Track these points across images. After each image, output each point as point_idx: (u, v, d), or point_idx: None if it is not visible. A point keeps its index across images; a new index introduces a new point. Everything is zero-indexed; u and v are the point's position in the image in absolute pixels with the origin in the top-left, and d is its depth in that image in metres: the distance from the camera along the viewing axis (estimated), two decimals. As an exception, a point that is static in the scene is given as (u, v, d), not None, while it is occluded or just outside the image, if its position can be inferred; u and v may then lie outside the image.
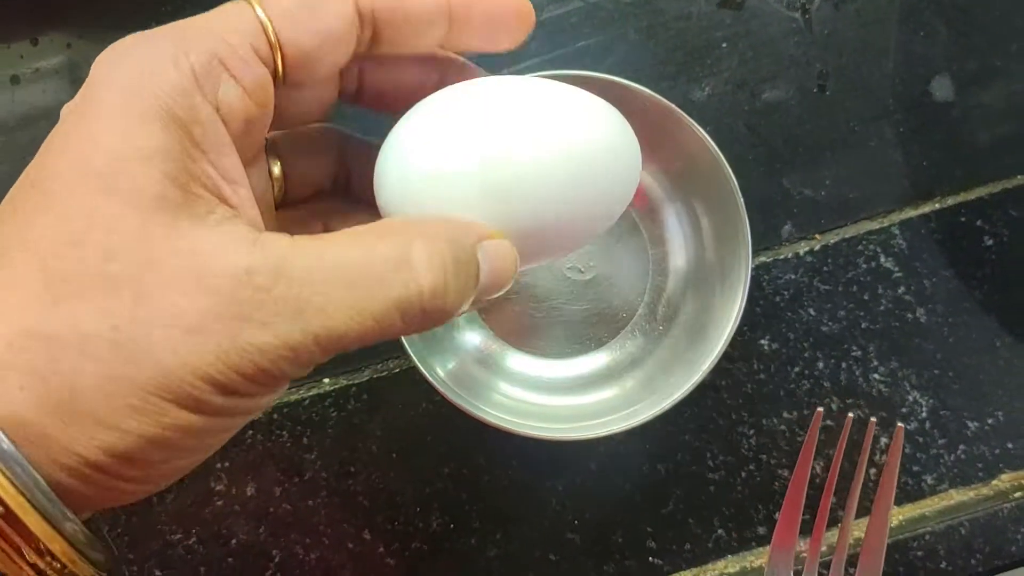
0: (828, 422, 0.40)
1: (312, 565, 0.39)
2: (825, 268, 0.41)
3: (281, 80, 0.23)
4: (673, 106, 0.35)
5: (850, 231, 0.41)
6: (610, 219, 0.27)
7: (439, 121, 0.24)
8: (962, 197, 0.41)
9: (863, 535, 0.38)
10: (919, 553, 0.39)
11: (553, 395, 0.39)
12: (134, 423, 0.19)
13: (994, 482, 0.40)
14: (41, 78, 0.41)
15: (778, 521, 0.37)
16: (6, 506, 0.19)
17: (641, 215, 0.40)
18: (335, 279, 0.20)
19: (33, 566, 0.20)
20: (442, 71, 0.27)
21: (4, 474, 0.19)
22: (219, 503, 0.39)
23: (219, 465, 0.40)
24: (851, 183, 0.41)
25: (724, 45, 0.42)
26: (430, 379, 0.34)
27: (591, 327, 0.40)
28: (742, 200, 0.35)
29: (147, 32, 0.21)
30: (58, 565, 0.20)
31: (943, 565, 0.39)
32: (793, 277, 0.41)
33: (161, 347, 0.19)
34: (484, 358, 0.39)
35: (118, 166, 0.20)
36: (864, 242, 0.41)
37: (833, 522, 0.39)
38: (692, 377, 0.35)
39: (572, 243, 0.27)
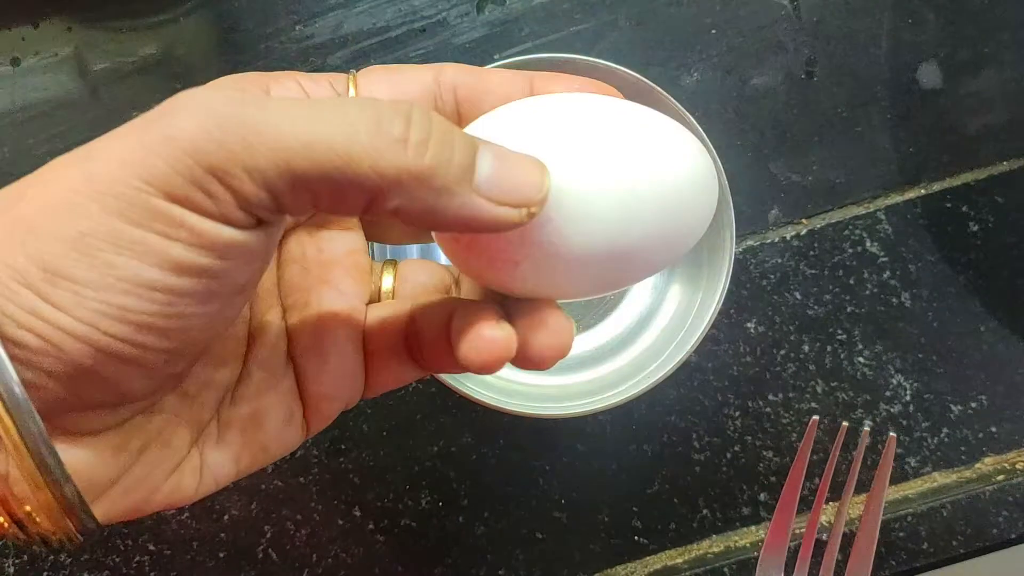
0: (813, 404, 0.41)
1: (303, 541, 0.40)
2: (811, 252, 0.41)
3: None
4: (657, 88, 0.36)
5: (836, 216, 0.41)
6: (680, 254, 0.25)
7: (516, 123, 0.23)
8: (948, 183, 0.42)
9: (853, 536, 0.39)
10: (901, 535, 0.40)
11: (541, 374, 0.40)
12: (54, 225, 0.18)
13: (977, 465, 0.41)
14: (42, 60, 0.42)
15: (771, 524, 0.38)
16: None
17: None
18: (284, 102, 0.19)
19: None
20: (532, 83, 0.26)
21: None
22: (212, 479, 0.40)
23: (212, 442, 0.40)
24: (838, 168, 0.42)
25: (713, 32, 0.42)
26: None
27: (579, 308, 0.40)
28: (726, 182, 0.36)
29: (241, 77, 0.23)
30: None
31: (925, 546, 0.40)
32: (780, 261, 0.41)
33: (100, 149, 0.18)
34: None
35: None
36: (850, 227, 0.41)
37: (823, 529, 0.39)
38: (676, 358, 0.36)
39: (638, 274, 0.25)
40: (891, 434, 0.37)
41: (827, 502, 0.40)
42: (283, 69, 0.41)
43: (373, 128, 0.19)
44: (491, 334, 0.22)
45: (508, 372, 0.39)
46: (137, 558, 0.39)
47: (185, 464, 0.23)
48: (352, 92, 0.24)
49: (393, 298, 0.27)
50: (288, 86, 0.23)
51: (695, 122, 0.36)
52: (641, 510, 0.40)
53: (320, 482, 0.40)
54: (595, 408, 0.36)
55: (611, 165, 0.22)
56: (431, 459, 0.40)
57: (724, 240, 0.36)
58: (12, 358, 0.18)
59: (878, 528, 0.37)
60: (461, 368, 0.23)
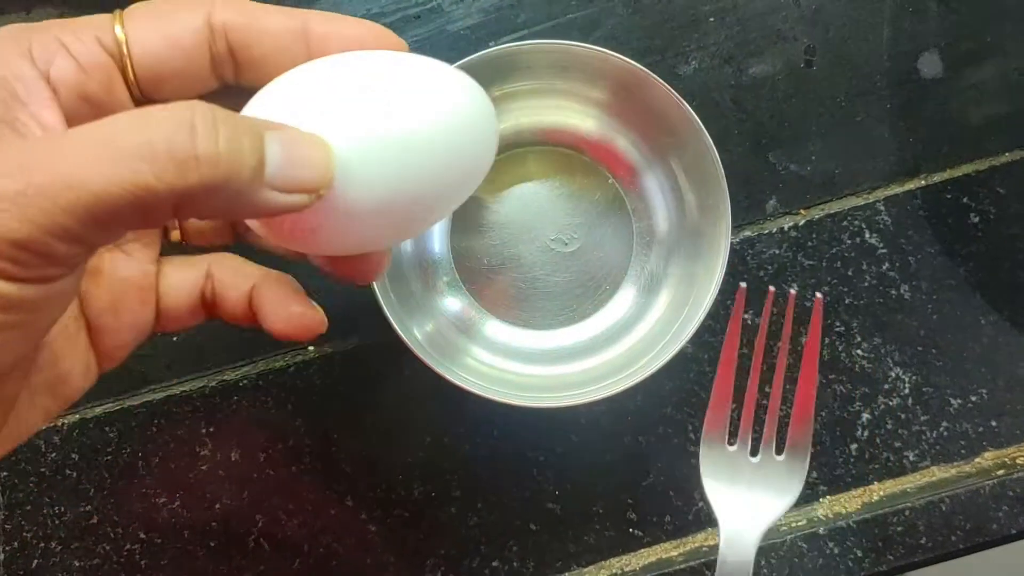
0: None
1: (295, 530, 0.40)
2: (809, 243, 0.41)
3: (132, 76, 0.24)
4: (652, 75, 0.36)
5: (835, 207, 0.41)
6: (467, 189, 0.27)
7: (301, 84, 0.24)
8: (948, 174, 0.41)
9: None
10: (899, 529, 0.39)
11: (534, 365, 0.39)
12: None
13: (976, 460, 0.40)
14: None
15: (711, 399, 0.37)
16: None
17: (625, 188, 0.40)
18: (74, 141, 0.20)
19: None
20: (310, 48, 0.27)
21: None
22: (204, 468, 0.40)
23: (204, 430, 0.40)
24: (837, 159, 0.41)
25: (711, 19, 0.42)
26: (404, 339, 0.34)
27: (574, 299, 0.40)
28: (723, 172, 0.35)
29: (11, 25, 0.24)
30: None
31: (923, 541, 0.39)
32: (777, 252, 0.41)
33: None
34: (464, 325, 0.39)
35: None
36: (849, 218, 0.41)
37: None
38: (671, 348, 0.35)
39: (430, 217, 0.27)
40: (816, 295, 0.36)
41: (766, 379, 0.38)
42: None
43: (161, 154, 0.19)
44: (300, 310, 0.27)
45: (502, 362, 0.39)
46: (128, 546, 0.39)
47: (2, 429, 0.24)
48: (120, 35, 0.24)
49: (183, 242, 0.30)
50: (48, 45, 0.23)
51: (691, 111, 0.35)
52: (636, 502, 0.40)
53: (312, 471, 0.40)
54: (589, 399, 0.35)
55: (380, 121, 0.24)
56: (424, 449, 0.40)
57: (720, 231, 0.36)
58: None
59: (815, 389, 0.36)
60: (252, 322, 0.28)
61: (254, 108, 0.24)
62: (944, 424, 0.40)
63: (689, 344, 0.35)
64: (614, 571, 0.39)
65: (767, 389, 0.37)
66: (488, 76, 0.34)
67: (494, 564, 0.40)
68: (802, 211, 0.41)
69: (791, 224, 0.41)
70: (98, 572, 0.39)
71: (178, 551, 0.39)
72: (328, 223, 0.24)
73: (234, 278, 0.28)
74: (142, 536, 0.39)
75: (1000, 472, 0.40)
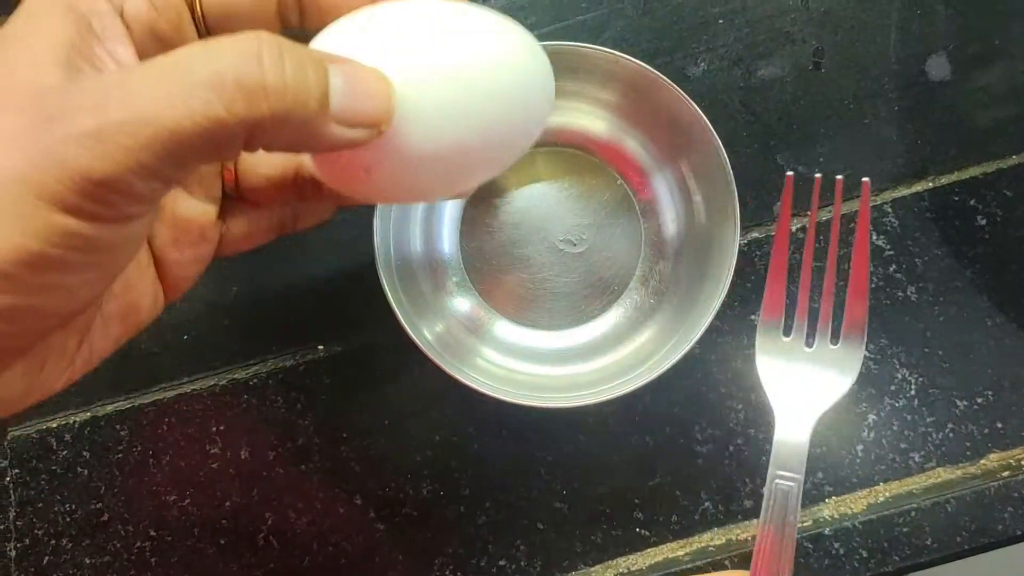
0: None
1: (304, 528, 0.40)
2: (816, 245, 0.41)
3: (200, 13, 0.25)
4: (662, 77, 0.36)
5: (842, 208, 0.41)
6: (524, 143, 0.27)
7: (366, 25, 0.24)
8: (956, 176, 0.41)
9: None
10: (905, 529, 0.39)
11: (543, 365, 0.40)
12: None
13: (982, 461, 0.40)
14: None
15: (766, 289, 0.37)
16: None
17: (634, 189, 0.40)
18: (146, 75, 0.20)
19: None
20: None
21: None
22: (214, 466, 0.40)
23: (214, 429, 0.40)
24: (844, 161, 0.41)
25: (721, 21, 0.42)
26: (415, 339, 0.34)
27: (583, 299, 0.40)
28: (732, 175, 0.35)
29: None
30: None
31: (928, 542, 0.39)
32: (785, 253, 0.41)
33: None
34: (473, 325, 0.40)
35: (12, 37, 0.22)
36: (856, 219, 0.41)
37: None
38: (680, 349, 0.35)
39: (486, 169, 0.27)
40: (864, 179, 0.36)
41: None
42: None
43: (230, 85, 0.19)
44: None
45: (511, 362, 0.39)
46: (138, 544, 0.40)
47: (77, 357, 0.25)
48: None
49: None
50: None
51: (701, 113, 0.36)
52: (643, 502, 0.40)
53: (321, 470, 0.40)
54: (598, 399, 0.35)
55: (442, 64, 0.24)
56: (432, 448, 0.40)
57: (729, 232, 0.36)
58: None
59: (867, 270, 0.36)
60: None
61: (316, 45, 0.24)
62: (950, 426, 0.40)
63: (697, 345, 0.35)
64: (620, 570, 0.40)
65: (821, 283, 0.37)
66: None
67: (501, 563, 0.40)
68: (809, 213, 0.41)
69: (799, 226, 0.41)
70: (108, 569, 0.40)
71: (188, 549, 0.40)
72: (383, 164, 0.24)
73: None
74: (152, 533, 0.40)
75: (1005, 473, 0.40)
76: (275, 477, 0.40)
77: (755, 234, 0.41)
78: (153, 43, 0.24)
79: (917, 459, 0.40)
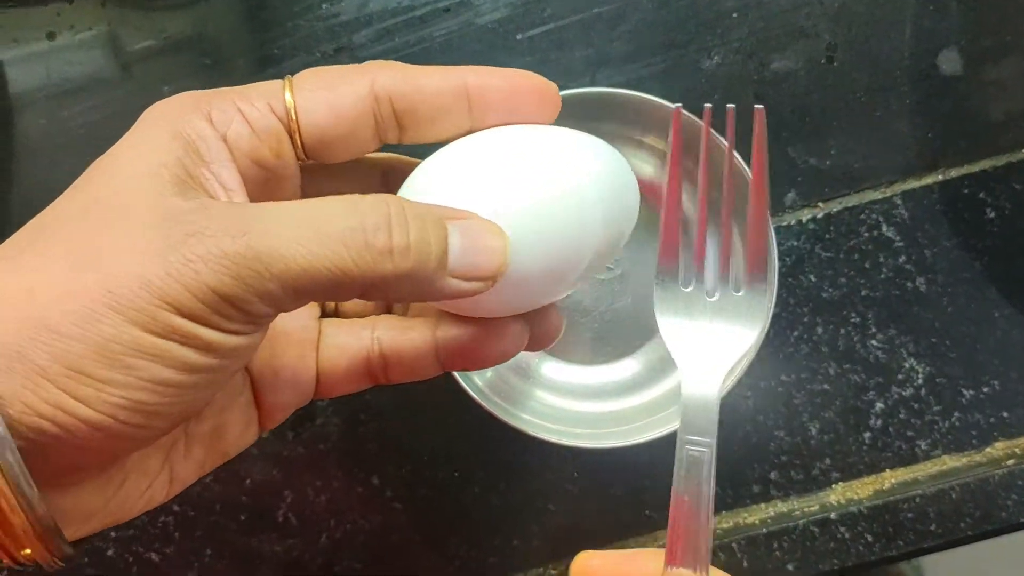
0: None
1: (322, 507, 0.41)
2: (827, 236, 0.42)
3: (299, 141, 0.26)
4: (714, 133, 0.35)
5: (853, 200, 0.42)
6: (617, 249, 0.28)
7: (455, 165, 0.26)
8: (966, 169, 0.42)
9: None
10: (909, 515, 0.40)
11: (585, 401, 0.40)
12: (81, 331, 0.20)
13: (987, 449, 0.41)
14: (77, 36, 0.43)
15: (660, 238, 0.31)
16: None
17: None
18: (287, 216, 0.22)
19: None
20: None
21: None
22: (235, 445, 0.41)
23: (236, 409, 0.41)
24: (856, 153, 0.42)
25: (735, 15, 0.42)
26: (466, 388, 0.36)
27: (622, 334, 0.40)
28: (772, 230, 0.35)
29: (191, 91, 0.25)
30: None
31: (933, 528, 0.40)
32: (795, 244, 0.42)
33: (112, 259, 0.21)
34: (520, 367, 0.40)
35: (123, 158, 0.23)
36: (867, 211, 0.42)
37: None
38: (727, 383, 0.35)
39: (586, 274, 0.28)
40: (756, 106, 0.29)
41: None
42: (309, 47, 0.42)
43: (361, 243, 0.22)
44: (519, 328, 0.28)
45: (561, 400, 0.40)
46: (162, 518, 0.41)
47: (156, 480, 0.26)
48: (290, 102, 0.25)
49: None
50: (226, 110, 0.25)
51: (742, 163, 0.35)
52: (653, 486, 0.41)
53: (340, 450, 0.41)
54: (658, 433, 0.36)
55: (540, 194, 0.25)
56: (448, 431, 0.41)
57: (768, 284, 0.35)
58: (23, 440, 0.20)
59: (767, 212, 0.30)
60: (435, 374, 0.29)
61: (419, 186, 0.26)
62: (956, 414, 0.41)
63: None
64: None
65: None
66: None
67: (515, 543, 0.41)
68: (820, 204, 0.42)
69: (810, 216, 0.42)
70: (133, 542, 0.41)
71: (210, 524, 0.41)
72: (492, 291, 0.25)
73: (405, 336, 0.28)
74: (176, 508, 0.41)
75: (1010, 462, 0.40)
76: (295, 456, 0.41)
77: (766, 224, 0.42)
78: (255, 168, 0.25)
79: (923, 447, 0.41)
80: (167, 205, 0.22)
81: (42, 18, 0.43)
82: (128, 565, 0.41)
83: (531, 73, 0.27)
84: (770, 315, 0.35)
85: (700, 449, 0.29)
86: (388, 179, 0.30)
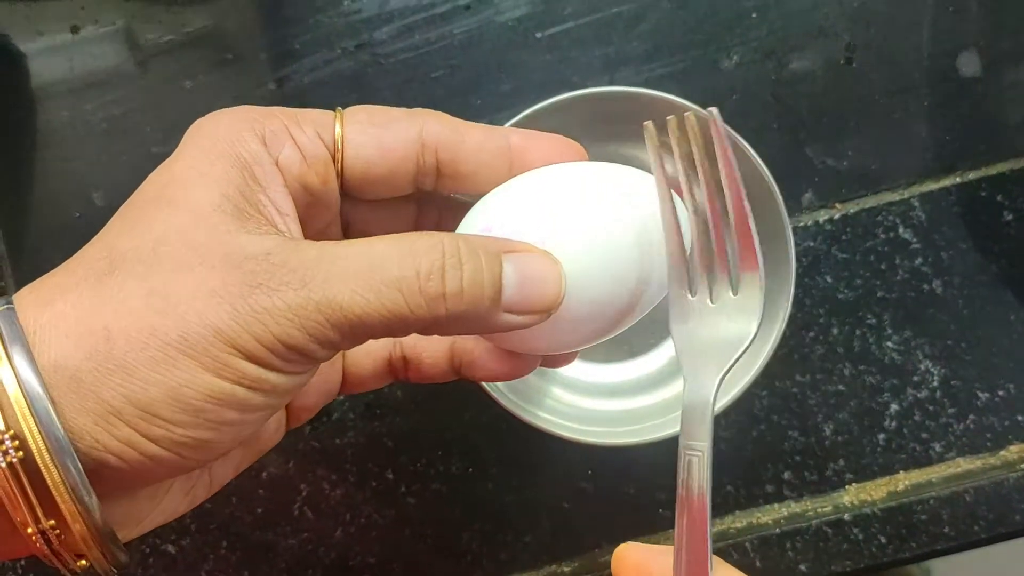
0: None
1: (337, 500, 0.41)
2: (844, 237, 0.42)
3: (340, 169, 0.26)
4: (735, 135, 0.35)
5: (870, 201, 0.42)
6: (661, 293, 0.29)
7: (516, 200, 0.27)
8: (984, 172, 0.42)
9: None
10: (923, 517, 0.40)
11: (601, 399, 0.40)
12: (155, 375, 0.21)
13: (1002, 452, 0.41)
14: (99, 29, 0.43)
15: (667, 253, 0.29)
16: (27, 449, 0.21)
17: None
18: (344, 262, 0.23)
19: (41, 532, 0.21)
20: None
21: (31, 418, 0.21)
22: (252, 438, 0.42)
23: (253, 402, 0.42)
24: (873, 154, 0.42)
25: (754, 15, 0.42)
26: (485, 387, 0.36)
27: (638, 333, 0.39)
28: (791, 232, 0.35)
29: (243, 107, 0.26)
30: (59, 533, 0.22)
31: (946, 530, 0.40)
32: (812, 244, 0.42)
33: (186, 306, 0.22)
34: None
35: (187, 185, 0.24)
36: (884, 213, 0.42)
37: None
38: (730, 393, 0.36)
39: (630, 316, 0.28)
40: (710, 109, 0.27)
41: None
42: (330, 43, 0.43)
43: (415, 290, 0.23)
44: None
45: (578, 399, 0.40)
46: (179, 510, 0.41)
47: (199, 482, 0.27)
48: (339, 130, 0.26)
49: None
50: (279, 133, 0.25)
51: (765, 169, 0.35)
52: (666, 484, 0.41)
53: (355, 444, 0.42)
54: (654, 437, 0.36)
55: (595, 230, 0.26)
56: (462, 426, 0.42)
57: (784, 283, 0.36)
58: (88, 471, 0.21)
59: (745, 206, 0.28)
60: (450, 379, 0.30)
61: (479, 221, 0.26)
62: (971, 417, 0.41)
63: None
64: (643, 549, 0.41)
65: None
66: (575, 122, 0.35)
67: (527, 539, 0.41)
68: (837, 205, 0.42)
69: (826, 217, 0.42)
70: (150, 534, 0.41)
71: (227, 516, 0.41)
72: (542, 326, 0.26)
73: (424, 343, 0.30)
74: (192, 501, 0.41)
75: (1025, 465, 0.41)
76: (310, 450, 0.42)
77: (783, 225, 0.42)
78: (302, 193, 0.26)
79: (938, 449, 0.41)
80: (233, 245, 0.23)
81: (66, 11, 0.43)
82: (144, 557, 0.41)
83: (569, 140, 0.28)
84: (787, 314, 0.36)
85: (694, 453, 0.29)
86: (422, 210, 0.30)
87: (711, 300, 0.30)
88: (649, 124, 0.28)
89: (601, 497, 0.41)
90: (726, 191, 0.28)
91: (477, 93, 0.43)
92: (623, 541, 0.41)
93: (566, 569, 0.41)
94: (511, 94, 0.42)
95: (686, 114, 0.28)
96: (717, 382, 0.29)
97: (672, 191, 0.28)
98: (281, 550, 0.41)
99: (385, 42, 0.43)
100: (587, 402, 0.40)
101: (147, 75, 0.43)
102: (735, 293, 0.29)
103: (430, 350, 0.29)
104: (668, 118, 0.29)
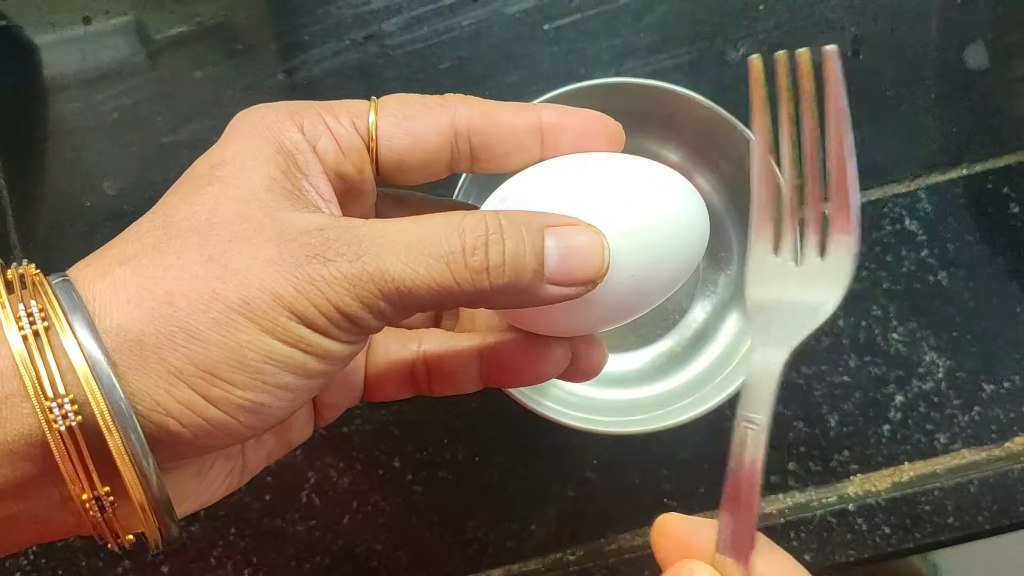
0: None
1: (344, 488, 0.42)
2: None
3: (375, 162, 0.27)
4: (728, 115, 0.36)
5: (877, 193, 0.42)
6: (678, 282, 0.29)
7: (538, 186, 0.27)
8: (990, 164, 0.42)
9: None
10: (927, 508, 0.40)
11: (607, 388, 0.41)
12: (217, 335, 0.22)
13: (1007, 444, 0.41)
14: (112, 21, 0.44)
15: (752, 206, 0.29)
16: (87, 413, 0.21)
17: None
18: (394, 237, 0.24)
19: (96, 499, 0.22)
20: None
21: (93, 381, 0.21)
22: (260, 425, 0.42)
23: (261, 390, 0.42)
24: (880, 146, 0.42)
25: (762, 7, 0.43)
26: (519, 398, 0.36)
27: (644, 323, 0.41)
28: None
29: (281, 102, 0.27)
30: (113, 500, 0.22)
31: (950, 520, 0.40)
32: (818, 236, 0.42)
33: (246, 272, 0.23)
34: None
35: (233, 166, 0.25)
36: (890, 204, 0.42)
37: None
38: (735, 382, 0.36)
39: (647, 303, 0.29)
40: (825, 48, 0.26)
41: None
42: (339, 34, 0.43)
43: (461, 264, 0.24)
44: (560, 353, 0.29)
45: (584, 388, 0.40)
46: (188, 496, 0.42)
47: (235, 466, 0.28)
48: (373, 120, 0.27)
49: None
50: (316, 124, 0.26)
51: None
52: (671, 474, 0.41)
53: (362, 432, 0.42)
54: (656, 427, 0.37)
55: (632, 213, 0.26)
56: (469, 415, 0.42)
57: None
58: (147, 436, 0.22)
59: (851, 161, 0.27)
60: (475, 388, 0.30)
61: (515, 194, 0.27)
62: (976, 408, 0.41)
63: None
64: (647, 539, 0.41)
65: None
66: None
67: (532, 528, 0.41)
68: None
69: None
70: (159, 520, 0.42)
71: (235, 503, 0.42)
72: (570, 303, 0.26)
73: (450, 350, 0.30)
74: (201, 488, 0.42)
75: (1030, 457, 0.41)
76: (318, 438, 0.42)
77: (789, 216, 0.42)
78: (338, 181, 0.27)
79: (943, 440, 0.41)
80: (286, 221, 0.24)
81: (78, 3, 0.44)
82: (154, 541, 0.42)
83: (603, 115, 0.29)
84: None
85: (751, 426, 0.27)
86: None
87: (796, 262, 0.28)
88: (755, 58, 0.27)
89: (606, 486, 0.41)
90: (830, 141, 0.26)
91: (485, 85, 0.43)
92: (629, 531, 0.42)
93: (571, 557, 0.42)
94: (518, 86, 0.43)
95: (799, 51, 0.26)
96: (788, 353, 0.27)
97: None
98: (289, 537, 0.42)
99: (393, 33, 0.43)
100: (594, 391, 0.40)
101: (158, 66, 0.43)
102: (823, 257, 0.27)
103: (457, 353, 0.30)
104: (777, 53, 0.27)
